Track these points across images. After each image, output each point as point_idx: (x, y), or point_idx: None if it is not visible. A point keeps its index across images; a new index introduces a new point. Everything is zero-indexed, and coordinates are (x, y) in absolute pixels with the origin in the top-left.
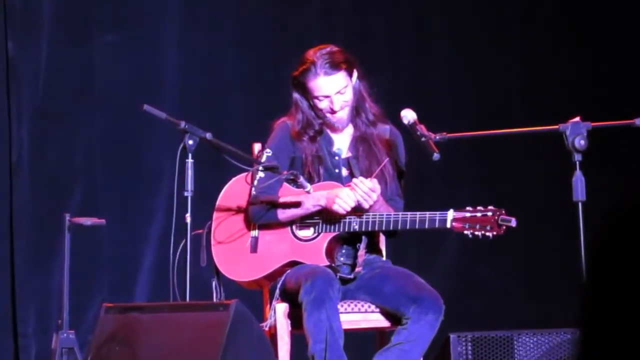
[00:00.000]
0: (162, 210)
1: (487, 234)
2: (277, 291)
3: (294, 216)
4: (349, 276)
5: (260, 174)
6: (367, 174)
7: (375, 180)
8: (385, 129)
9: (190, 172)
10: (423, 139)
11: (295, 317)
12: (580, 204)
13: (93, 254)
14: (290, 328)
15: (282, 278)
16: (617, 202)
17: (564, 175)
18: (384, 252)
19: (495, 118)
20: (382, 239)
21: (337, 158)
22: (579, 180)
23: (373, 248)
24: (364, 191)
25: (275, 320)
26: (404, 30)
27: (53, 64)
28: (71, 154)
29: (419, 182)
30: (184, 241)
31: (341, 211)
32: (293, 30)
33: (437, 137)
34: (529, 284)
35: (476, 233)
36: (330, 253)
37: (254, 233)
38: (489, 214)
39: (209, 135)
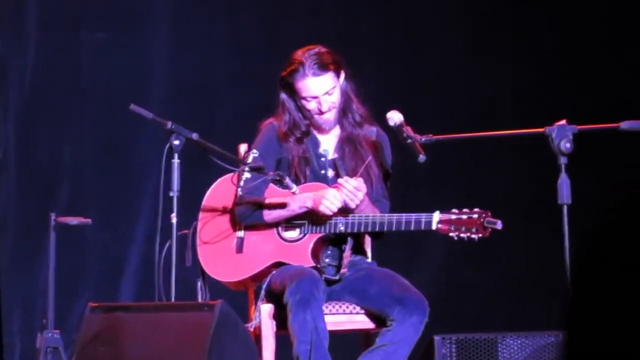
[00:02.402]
0: (147, 210)
1: (473, 236)
2: (262, 292)
3: (280, 217)
4: (334, 277)
5: (247, 175)
6: (353, 175)
7: (360, 180)
8: (371, 131)
9: (176, 172)
10: (409, 140)
11: (280, 317)
12: (565, 207)
13: (79, 253)
14: (275, 329)
15: (268, 279)
16: (602, 208)
17: (549, 177)
18: (369, 254)
19: (482, 120)
20: (368, 241)
21: (323, 159)
22: (564, 183)
23: (358, 249)
24: (349, 190)
25: (260, 320)
26: (392, 31)
27: (41, 62)
28: (58, 153)
29: (405, 184)
30: (169, 241)
31: (328, 212)
32: (282, 31)
33: (423, 139)
34: (513, 286)
35: (462, 235)
36: (315, 254)
37: (240, 234)
38: (475, 216)
39: (195, 136)
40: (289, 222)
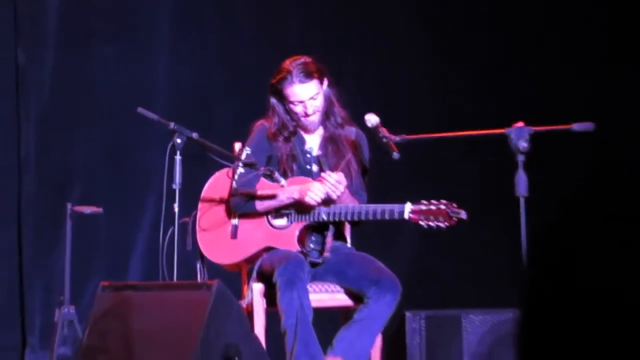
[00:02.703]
0: (153, 201)
1: (440, 224)
2: (254, 273)
3: (270, 207)
4: (317, 260)
5: (241, 170)
6: (334, 170)
7: (341, 174)
8: (351, 131)
9: (178, 168)
10: (385, 140)
11: (270, 296)
12: (522, 199)
13: (92, 239)
14: (265, 306)
15: (259, 261)
16: (555, 200)
17: (508, 173)
18: (349, 240)
19: (449, 122)
20: (348, 228)
21: (308, 156)
22: (521, 178)
23: (339, 236)
24: (332, 183)
25: (252, 298)
26: (369, 44)
27: (58, 72)
28: (73, 152)
29: (381, 178)
30: (172, 228)
31: (312, 203)
32: (271, 44)
33: (397, 139)
34: (476, 270)
35: (430, 224)
36: (301, 240)
37: (234, 221)
38: (442, 206)
39: (195, 135)
40: (278, 212)
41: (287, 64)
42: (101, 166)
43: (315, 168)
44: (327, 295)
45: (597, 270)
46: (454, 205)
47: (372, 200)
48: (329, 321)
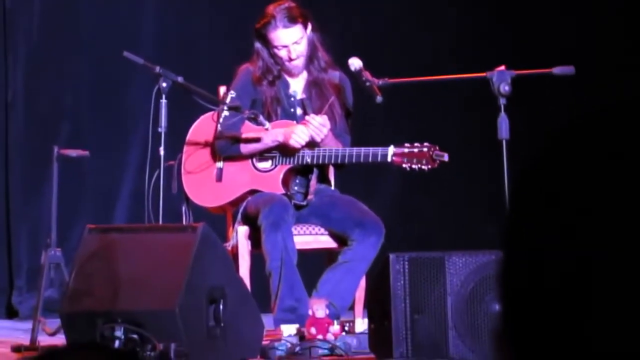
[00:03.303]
0: (138, 144)
1: (423, 167)
2: (239, 215)
3: (255, 150)
4: (302, 203)
5: (225, 113)
6: (318, 113)
7: (325, 117)
8: (335, 75)
9: (163, 111)
10: (368, 83)
11: (254, 238)
12: (504, 142)
13: (78, 181)
14: (250, 248)
15: (244, 204)
16: (536, 142)
17: (490, 116)
18: (332, 182)
19: (432, 65)
20: (332, 171)
21: (292, 99)
22: (503, 121)
23: (323, 178)
24: (315, 126)
25: (237, 241)
26: None
27: (45, 14)
28: (60, 94)
29: (364, 122)
30: (157, 171)
31: (297, 145)
32: None
33: (380, 82)
34: (459, 212)
35: (413, 166)
36: (285, 183)
37: (219, 164)
38: (425, 149)
39: (180, 79)
40: (262, 155)
41: (271, 8)
42: (88, 108)
43: (299, 111)
44: (311, 238)
45: (580, 209)
46: (437, 147)
47: (355, 143)
48: (314, 263)
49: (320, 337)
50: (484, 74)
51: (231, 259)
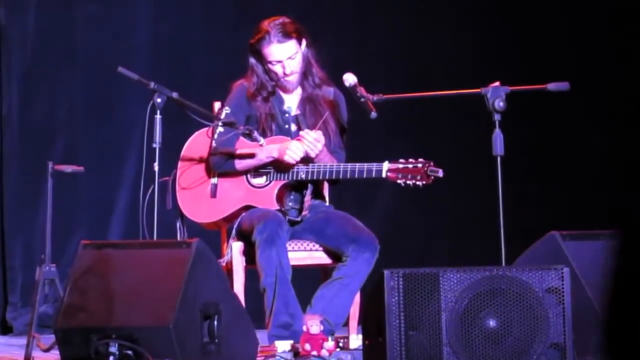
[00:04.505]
0: (133, 160)
1: (418, 183)
2: (234, 231)
3: (249, 166)
4: (296, 219)
5: (220, 129)
6: (313, 129)
7: (319, 132)
8: (329, 91)
9: (158, 127)
10: (362, 99)
11: (249, 254)
12: (499, 158)
13: (73, 197)
14: (244, 264)
15: (238, 220)
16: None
17: (485, 132)
18: (327, 198)
19: (426, 81)
20: (326, 186)
21: (287, 115)
22: (498, 137)
23: (318, 194)
24: (310, 141)
25: (231, 256)
26: (345, 6)
27: (40, 29)
28: (55, 109)
29: (359, 137)
30: (152, 187)
31: (291, 161)
32: (249, 4)
33: (375, 98)
34: (454, 228)
35: (408, 182)
36: (280, 198)
37: (214, 180)
38: (419, 165)
39: (175, 95)
40: (257, 171)
41: (266, 24)
42: (82, 125)
43: (293, 127)
44: (305, 254)
45: None
46: (431, 163)
47: (350, 159)
48: (308, 279)
49: (314, 353)
50: (478, 90)
51: (226, 274)
